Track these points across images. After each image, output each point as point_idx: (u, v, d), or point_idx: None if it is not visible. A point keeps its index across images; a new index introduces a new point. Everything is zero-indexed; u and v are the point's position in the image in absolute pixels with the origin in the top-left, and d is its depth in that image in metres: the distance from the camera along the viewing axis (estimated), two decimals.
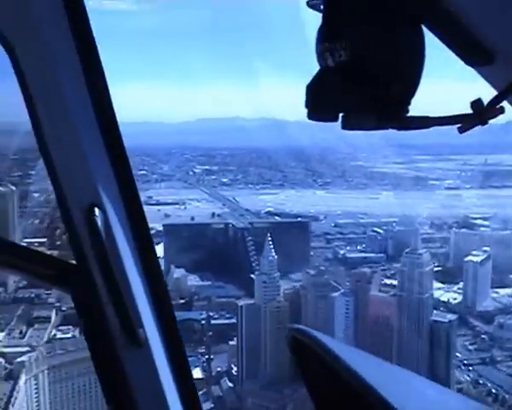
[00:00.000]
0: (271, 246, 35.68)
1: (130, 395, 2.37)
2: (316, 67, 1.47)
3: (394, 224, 41.33)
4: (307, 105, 1.50)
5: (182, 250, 38.47)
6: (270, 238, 36.07)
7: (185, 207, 43.64)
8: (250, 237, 39.53)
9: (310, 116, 1.50)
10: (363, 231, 42.40)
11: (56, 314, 30.36)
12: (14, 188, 24.41)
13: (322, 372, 1.85)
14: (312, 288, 36.42)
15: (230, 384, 34.16)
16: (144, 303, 2.33)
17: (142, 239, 2.32)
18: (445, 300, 36.90)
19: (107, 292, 2.25)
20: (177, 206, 43.80)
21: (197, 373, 31.25)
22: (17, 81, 2.18)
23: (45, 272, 2.41)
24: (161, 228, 38.91)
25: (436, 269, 37.75)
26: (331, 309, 36.17)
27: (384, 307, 36.03)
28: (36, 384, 26.80)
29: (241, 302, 35.26)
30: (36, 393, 26.87)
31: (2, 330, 29.61)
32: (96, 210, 2.21)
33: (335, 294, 36.55)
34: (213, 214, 43.36)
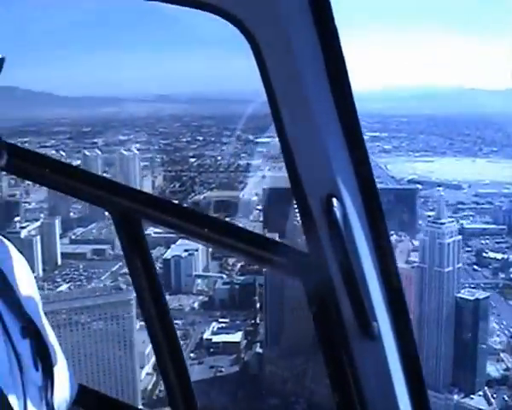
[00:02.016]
0: None
1: (358, 387, 2.35)
2: None
3: None
4: None
5: None
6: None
7: None
8: None
9: None
10: (499, 201, 41.06)
11: None
12: None
13: None
14: None
15: None
16: (378, 296, 2.29)
17: (378, 232, 2.26)
18: None
19: (343, 282, 2.23)
20: None
21: None
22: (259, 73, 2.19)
23: (278, 259, 2.45)
24: None
25: None
26: None
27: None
28: None
29: None
30: None
31: None
32: (334, 200, 2.18)
33: None
34: None
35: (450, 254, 37.07)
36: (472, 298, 36.61)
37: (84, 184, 2.57)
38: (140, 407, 33.83)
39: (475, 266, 40.36)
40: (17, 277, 1.64)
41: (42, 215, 39.18)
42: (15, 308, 1.56)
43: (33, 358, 1.59)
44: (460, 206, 42.24)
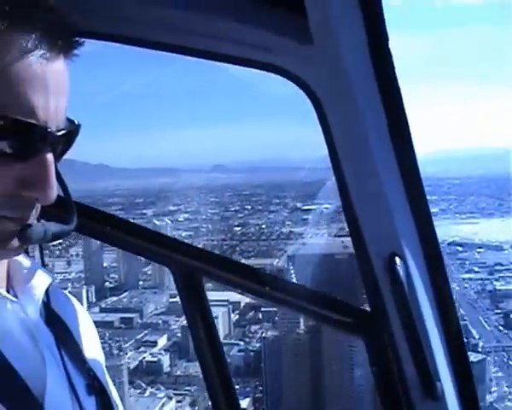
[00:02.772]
0: None
1: None
2: None
3: None
4: None
5: None
6: None
7: None
8: None
9: None
10: None
11: None
12: None
13: None
14: None
15: None
16: (441, 356, 2.27)
17: (441, 291, 2.27)
18: None
19: (406, 342, 2.23)
20: None
21: None
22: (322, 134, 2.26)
23: (339, 318, 2.47)
24: None
25: None
26: None
27: None
28: None
29: None
30: None
31: None
32: (397, 259, 2.21)
33: None
34: None
35: None
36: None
37: (147, 242, 2.64)
38: None
39: (501, 328, 39.14)
40: (82, 332, 1.67)
41: (70, 285, 39.68)
42: (80, 364, 1.57)
43: None
44: (497, 267, 41.33)
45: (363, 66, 2.12)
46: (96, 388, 1.61)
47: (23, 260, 1.53)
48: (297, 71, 2.14)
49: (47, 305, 1.54)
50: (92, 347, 1.71)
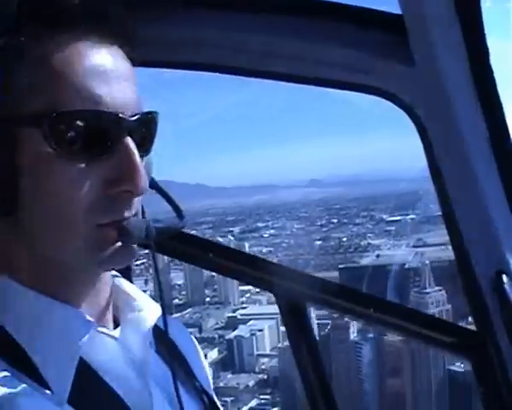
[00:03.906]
0: None
1: None
2: None
3: None
4: None
5: None
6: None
7: None
8: None
9: None
10: None
11: None
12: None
13: None
14: None
15: None
16: None
17: None
18: None
19: None
20: None
21: None
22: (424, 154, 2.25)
23: (446, 338, 2.44)
24: None
25: None
26: None
27: None
28: None
29: None
30: None
31: None
32: (504, 277, 2.17)
33: None
34: None
35: None
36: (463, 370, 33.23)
37: (250, 268, 2.68)
38: None
39: None
40: (197, 364, 1.60)
41: None
42: (198, 399, 1.50)
43: None
44: None
45: (464, 84, 2.11)
46: None
47: (127, 286, 1.43)
48: (399, 92, 2.16)
49: (160, 335, 1.42)
50: (206, 379, 1.61)
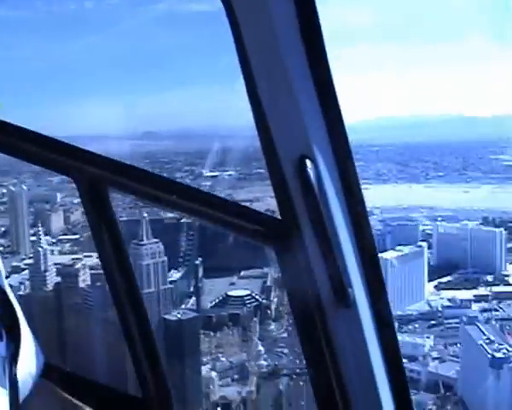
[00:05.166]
0: None
1: (333, 355, 2.28)
2: None
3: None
4: None
5: None
6: None
7: None
8: None
9: None
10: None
11: None
12: None
13: None
14: None
15: None
16: (353, 262, 2.22)
17: (352, 194, 2.20)
18: None
19: (318, 248, 2.16)
20: None
21: None
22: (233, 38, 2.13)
23: (249, 226, 2.37)
24: None
25: None
26: None
27: None
28: None
29: None
30: None
31: None
32: (308, 162, 2.12)
33: None
34: None
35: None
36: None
37: (45, 149, 2.46)
38: None
39: None
40: None
41: None
42: None
43: None
44: None
45: None
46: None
47: None
48: None
49: None
50: None
